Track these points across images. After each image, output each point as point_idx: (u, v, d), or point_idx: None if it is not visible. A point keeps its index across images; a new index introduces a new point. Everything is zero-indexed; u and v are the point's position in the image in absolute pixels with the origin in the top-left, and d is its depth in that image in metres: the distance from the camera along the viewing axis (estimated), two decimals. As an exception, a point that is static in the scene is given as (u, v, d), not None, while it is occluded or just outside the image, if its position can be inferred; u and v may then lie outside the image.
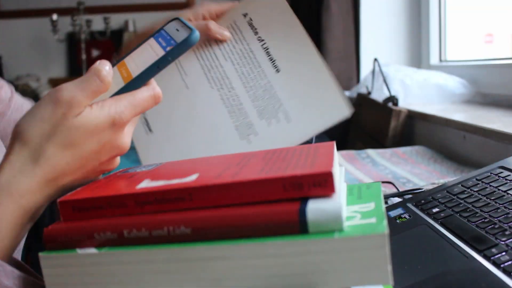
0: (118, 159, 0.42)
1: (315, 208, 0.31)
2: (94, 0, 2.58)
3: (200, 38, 0.43)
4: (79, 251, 0.34)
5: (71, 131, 0.36)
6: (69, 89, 0.37)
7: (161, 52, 0.42)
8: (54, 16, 2.38)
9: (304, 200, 0.33)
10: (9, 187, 0.35)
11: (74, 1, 2.44)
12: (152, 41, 0.44)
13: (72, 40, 2.63)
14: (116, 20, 2.61)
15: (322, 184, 0.32)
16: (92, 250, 0.34)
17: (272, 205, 0.33)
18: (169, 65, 0.42)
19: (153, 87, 0.41)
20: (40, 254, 0.35)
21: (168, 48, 0.42)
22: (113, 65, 0.42)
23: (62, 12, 2.44)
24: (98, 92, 0.38)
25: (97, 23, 2.58)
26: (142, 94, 0.40)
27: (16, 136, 0.37)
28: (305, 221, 0.31)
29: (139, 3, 2.65)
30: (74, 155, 0.37)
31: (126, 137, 0.40)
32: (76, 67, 2.60)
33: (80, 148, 0.37)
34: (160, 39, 0.44)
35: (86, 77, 0.38)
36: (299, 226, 0.31)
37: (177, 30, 0.43)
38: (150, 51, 0.43)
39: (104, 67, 0.38)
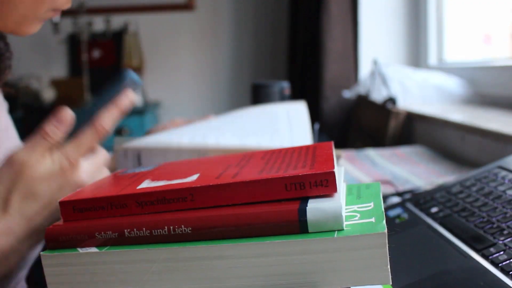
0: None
1: (315, 207, 0.32)
2: (95, 1, 2.59)
3: None
4: (80, 250, 0.35)
5: (29, 182, 0.43)
6: (22, 152, 0.43)
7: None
8: (55, 17, 2.38)
9: (304, 200, 0.33)
10: None
11: (75, 2, 2.44)
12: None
13: (73, 41, 2.63)
14: (117, 21, 2.61)
15: (324, 183, 0.33)
16: (93, 250, 0.34)
17: (272, 205, 0.33)
18: (105, 102, 0.47)
19: (94, 124, 0.46)
20: (42, 253, 0.35)
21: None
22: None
23: (63, 13, 2.43)
24: (46, 148, 0.44)
25: (98, 24, 2.58)
26: (84, 134, 0.46)
27: None
28: (305, 220, 0.32)
29: (140, 4, 2.65)
30: (38, 201, 0.43)
31: (81, 174, 0.45)
32: (77, 68, 2.60)
33: (41, 195, 0.43)
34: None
35: (34, 138, 0.44)
36: (299, 226, 0.32)
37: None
38: None
39: (50, 127, 0.44)
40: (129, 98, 0.48)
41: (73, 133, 0.45)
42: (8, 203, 0.42)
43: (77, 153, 0.45)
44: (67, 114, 0.45)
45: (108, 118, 0.47)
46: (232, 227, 0.33)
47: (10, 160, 0.43)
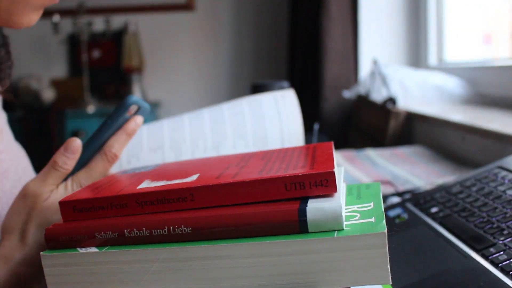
0: None
1: (314, 207, 0.32)
2: (95, 1, 2.59)
3: None
4: (80, 250, 0.35)
5: (43, 213, 0.44)
6: (34, 184, 0.45)
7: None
8: (55, 17, 2.39)
9: (304, 200, 0.33)
10: (6, 259, 0.43)
11: (75, 2, 2.44)
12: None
13: (73, 41, 2.63)
14: (117, 21, 2.61)
15: (324, 183, 0.33)
16: (93, 249, 0.34)
17: (272, 205, 0.33)
18: (112, 128, 0.47)
19: (104, 151, 0.48)
20: (42, 253, 0.35)
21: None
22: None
23: (63, 13, 2.44)
24: (59, 178, 0.45)
25: (98, 24, 2.59)
26: (96, 162, 0.47)
27: (3, 231, 0.45)
28: (305, 220, 0.32)
29: (140, 4, 2.65)
30: None
31: None
32: (77, 68, 2.61)
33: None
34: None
35: (45, 170, 0.45)
36: (299, 226, 0.32)
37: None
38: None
39: (59, 158, 0.45)
40: (137, 123, 0.49)
41: (82, 159, 0.46)
42: (25, 234, 0.44)
43: (90, 180, 0.46)
44: (76, 144, 0.46)
45: (118, 144, 0.48)
46: (232, 227, 0.33)
47: (24, 193, 0.45)
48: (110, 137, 0.48)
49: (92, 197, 0.36)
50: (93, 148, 0.47)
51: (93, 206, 0.36)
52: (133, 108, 0.48)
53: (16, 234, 0.44)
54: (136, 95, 0.53)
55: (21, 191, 0.45)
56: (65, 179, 0.46)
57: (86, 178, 0.47)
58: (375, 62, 1.43)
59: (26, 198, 0.44)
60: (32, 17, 0.47)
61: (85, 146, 0.47)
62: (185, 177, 0.38)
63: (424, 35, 1.66)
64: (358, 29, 1.70)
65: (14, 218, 0.44)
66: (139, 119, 0.50)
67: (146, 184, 0.38)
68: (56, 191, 0.45)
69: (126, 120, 0.48)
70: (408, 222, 0.56)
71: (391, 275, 0.31)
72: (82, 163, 0.47)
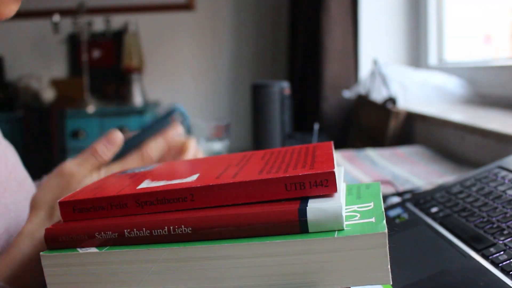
0: None
1: (315, 207, 0.32)
2: (95, 1, 2.59)
3: None
4: (80, 250, 0.35)
5: None
6: (71, 164, 0.46)
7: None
8: (56, 17, 2.39)
9: (304, 200, 0.33)
10: (32, 235, 0.44)
11: (75, 2, 2.44)
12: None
13: (73, 41, 2.63)
14: (117, 21, 2.61)
15: (324, 183, 0.33)
16: (93, 250, 0.34)
17: (272, 205, 0.33)
18: (153, 134, 0.51)
19: (142, 152, 0.50)
20: (42, 254, 0.35)
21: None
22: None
23: (63, 13, 2.44)
24: (95, 165, 0.47)
25: (98, 24, 2.59)
26: (132, 158, 0.49)
27: (33, 205, 0.46)
28: (305, 220, 0.32)
29: (140, 4, 2.65)
30: None
31: None
32: (77, 68, 2.61)
33: None
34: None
35: (84, 154, 0.47)
36: (299, 226, 0.32)
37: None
38: None
39: (100, 146, 0.47)
40: (176, 131, 0.51)
41: (119, 153, 0.48)
42: (54, 212, 0.44)
43: None
44: (118, 136, 0.48)
45: (155, 147, 0.50)
46: (232, 227, 0.33)
47: (61, 170, 0.46)
48: (149, 138, 0.51)
49: (92, 197, 0.36)
50: (132, 146, 0.50)
51: (93, 206, 0.36)
52: (177, 116, 0.52)
53: (45, 210, 0.45)
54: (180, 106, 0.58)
55: (57, 169, 0.46)
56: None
57: (118, 170, 0.48)
58: (375, 62, 1.43)
59: (61, 176, 0.45)
60: (13, 8, 0.48)
61: (126, 143, 0.49)
62: (185, 177, 0.38)
63: (424, 35, 1.66)
64: (358, 29, 1.70)
65: (47, 193, 0.45)
66: (180, 129, 0.52)
67: (146, 184, 0.38)
68: (90, 177, 0.46)
69: (166, 125, 0.51)
70: (408, 222, 0.56)
71: (391, 275, 0.31)
72: (117, 157, 0.49)
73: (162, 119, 0.51)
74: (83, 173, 0.46)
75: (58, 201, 0.37)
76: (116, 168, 0.48)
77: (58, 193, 0.45)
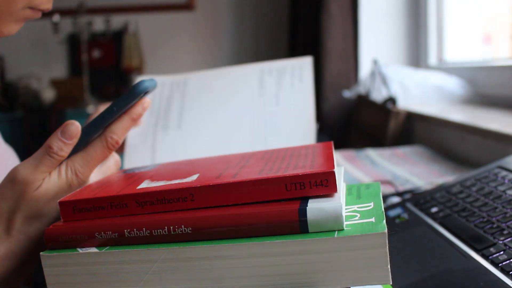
0: None
1: (315, 207, 0.32)
2: (95, 1, 2.59)
3: None
4: (80, 250, 0.35)
5: (33, 203, 0.40)
6: (24, 169, 0.40)
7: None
8: (55, 17, 2.39)
9: (304, 200, 0.33)
10: None
11: (75, 2, 2.44)
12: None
13: (73, 41, 2.63)
14: (117, 21, 2.61)
15: (324, 183, 0.33)
16: (93, 250, 0.34)
17: (273, 205, 0.33)
18: (115, 115, 0.42)
19: (105, 137, 0.43)
20: (41, 254, 0.35)
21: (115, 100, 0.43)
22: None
23: (63, 13, 2.44)
24: (53, 165, 0.41)
25: (98, 24, 2.59)
26: (94, 147, 0.43)
27: None
28: (305, 220, 0.32)
29: (140, 4, 2.65)
30: (42, 221, 0.41)
31: None
32: (77, 68, 2.61)
33: (46, 214, 0.41)
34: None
35: (38, 154, 0.40)
36: (299, 226, 0.32)
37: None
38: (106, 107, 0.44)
39: (55, 143, 0.40)
40: (144, 107, 0.44)
41: (79, 144, 0.42)
42: (11, 225, 0.40)
43: (87, 168, 0.42)
44: (74, 127, 0.41)
45: (120, 130, 0.43)
46: (232, 227, 0.33)
47: (12, 178, 0.40)
48: (112, 119, 0.43)
49: (92, 197, 0.36)
50: (93, 133, 0.42)
51: (93, 206, 0.36)
52: (142, 91, 0.43)
53: (1, 224, 0.40)
54: (144, 77, 0.50)
55: (9, 175, 0.40)
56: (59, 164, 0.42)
57: (82, 164, 0.42)
58: (375, 62, 1.43)
59: (14, 184, 0.39)
60: (14, 28, 0.46)
61: (85, 131, 0.42)
62: (185, 177, 0.38)
63: (424, 35, 1.65)
64: (358, 29, 1.70)
65: (1, 204, 0.40)
66: (146, 102, 0.45)
67: (146, 184, 0.38)
68: (49, 179, 0.40)
69: (132, 102, 0.43)
70: (408, 222, 0.56)
71: (391, 275, 0.31)
72: (79, 147, 0.42)
73: (125, 102, 0.42)
74: (39, 177, 0.40)
75: (58, 201, 0.37)
76: (79, 161, 0.42)
77: (13, 204, 0.39)
